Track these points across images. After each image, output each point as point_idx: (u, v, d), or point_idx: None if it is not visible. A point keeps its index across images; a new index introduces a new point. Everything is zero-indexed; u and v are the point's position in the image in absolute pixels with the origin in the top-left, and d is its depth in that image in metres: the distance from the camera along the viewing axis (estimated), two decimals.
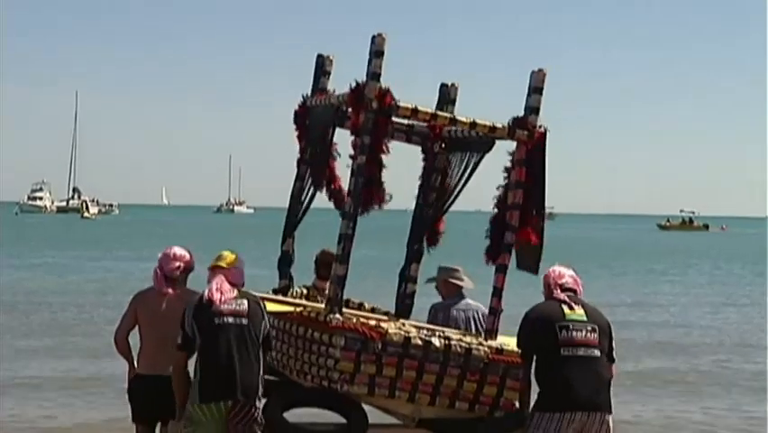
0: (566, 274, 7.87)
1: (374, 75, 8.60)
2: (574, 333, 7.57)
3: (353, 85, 8.72)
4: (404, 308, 9.92)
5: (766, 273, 41.19)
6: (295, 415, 8.56)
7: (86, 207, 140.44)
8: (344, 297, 9.85)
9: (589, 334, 7.58)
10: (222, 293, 7.92)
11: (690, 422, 14.23)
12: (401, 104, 8.70)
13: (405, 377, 8.26)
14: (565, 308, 7.63)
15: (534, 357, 7.71)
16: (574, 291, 7.83)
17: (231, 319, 7.88)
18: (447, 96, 9.91)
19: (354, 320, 8.29)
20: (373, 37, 8.68)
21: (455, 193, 9.57)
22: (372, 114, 8.57)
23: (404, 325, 8.43)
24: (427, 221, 9.80)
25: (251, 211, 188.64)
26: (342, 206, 9.24)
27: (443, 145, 9.72)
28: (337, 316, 8.31)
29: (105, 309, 23.81)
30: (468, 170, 9.44)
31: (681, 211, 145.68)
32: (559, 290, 7.75)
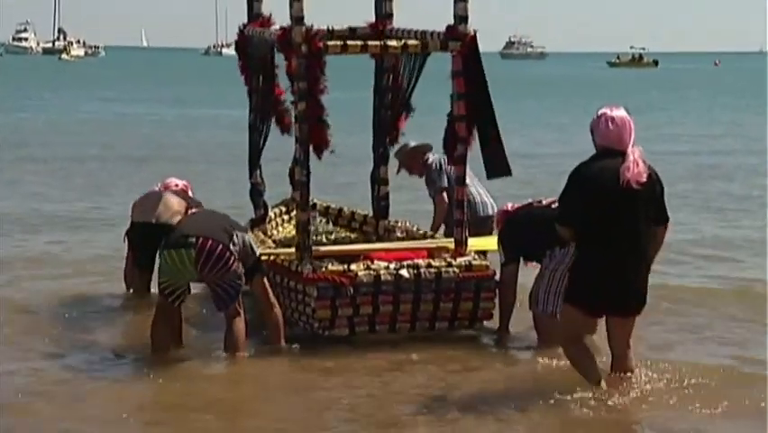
0: None
1: (297, 19, 8.57)
2: None
3: (280, 29, 8.74)
4: (381, 210, 10.18)
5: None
6: None
7: (66, 49, 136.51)
8: (326, 202, 10.24)
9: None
10: None
11: None
12: (330, 43, 8.69)
13: (382, 312, 8.56)
14: None
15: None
16: None
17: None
18: None
19: (324, 268, 8.54)
20: None
21: (408, 92, 9.61)
22: (303, 58, 8.58)
23: (372, 262, 8.67)
24: (388, 123, 9.90)
25: None
26: (288, 130, 9.47)
27: None
28: (308, 266, 8.57)
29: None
30: (416, 71, 9.45)
31: (631, 47, 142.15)
32: None
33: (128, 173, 20.01)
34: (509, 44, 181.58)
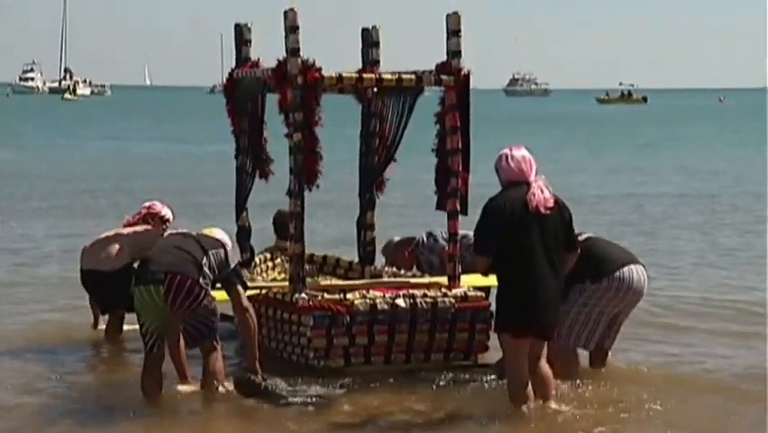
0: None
1: (293, 51, 8.64)
2: None
3: (276, 63, 8.79)
4: (367, 255, 10.11)
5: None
6: None
7: (70, 89, 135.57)
8: (311, 250, 10.15)
9: None
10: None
11: None
12: (325, 73, 8.75)
13: (377, 342, 8.48)
14: None
15: None
16: None
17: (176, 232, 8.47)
18: (370, 39, 9.94)
19: (319, 297, 8.46)
20: (285, 12, 8.69)
21: (398, 137, 9.63)
22: (299, 90, 8.62)
23: (368, 292, 8.60)
24: (375, 168, 9.90)
25: None
26: (267, 177, 9.56)
27: (376, 89, 9.78)
28: (303, 295, 8.49)
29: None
30: (405, 114, 9.50)
31: (620, 84, 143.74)
32: None
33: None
34: (513, 81, 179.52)
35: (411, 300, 8.51)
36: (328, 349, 8.42)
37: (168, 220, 10.21)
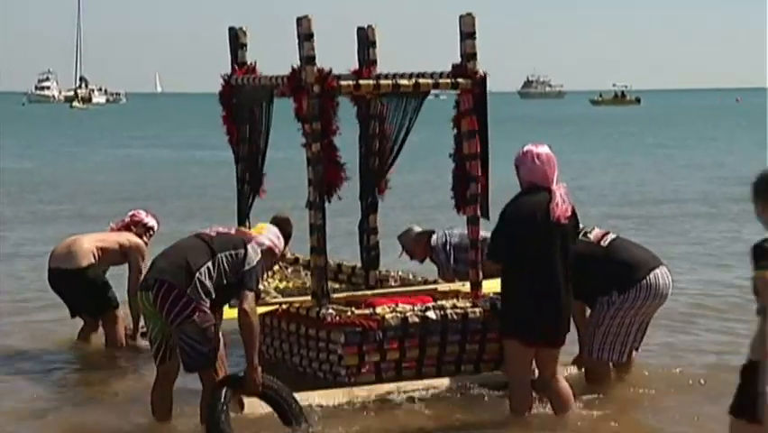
0: None
1: (309, 59, 8.37)
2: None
3: (290, 71, 8.51)
4: (371, 260, 9.90)
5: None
6: None
7: (80, 97, 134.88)
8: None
9: None
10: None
11: None
12: (343, 82, 8.53)
13: (408, 356, 8.31)
14: None
15: None
16: None
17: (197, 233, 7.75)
18: (366, 39, 9.71)
19: (348, 313, 8.26)
20: (299, 20, 8.42)
21: (400, 139, 9.40)
22: (316, 98, 8.37)
23: (397, 305, 8.42)
24: (376, 170, 9.68)
25: None
26: (261, 195, 9.52)
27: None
28: (330, 311, 8.27)
29: None
30: (408, 116, 9.27)
31: (614, 85, 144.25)
32: None
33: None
34: (527, 83, 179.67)
35: (441, 312, 8.35)
36: (360, 365, 8.22)
37: (151, 229, 10.17)
